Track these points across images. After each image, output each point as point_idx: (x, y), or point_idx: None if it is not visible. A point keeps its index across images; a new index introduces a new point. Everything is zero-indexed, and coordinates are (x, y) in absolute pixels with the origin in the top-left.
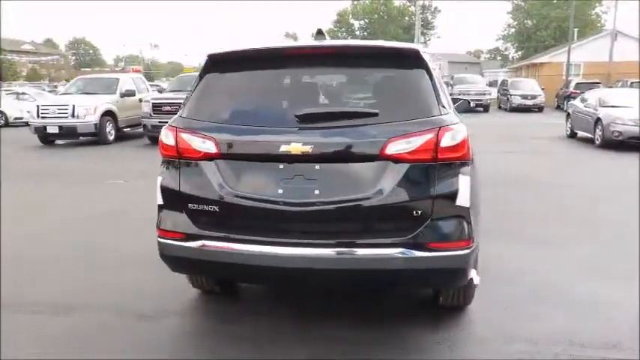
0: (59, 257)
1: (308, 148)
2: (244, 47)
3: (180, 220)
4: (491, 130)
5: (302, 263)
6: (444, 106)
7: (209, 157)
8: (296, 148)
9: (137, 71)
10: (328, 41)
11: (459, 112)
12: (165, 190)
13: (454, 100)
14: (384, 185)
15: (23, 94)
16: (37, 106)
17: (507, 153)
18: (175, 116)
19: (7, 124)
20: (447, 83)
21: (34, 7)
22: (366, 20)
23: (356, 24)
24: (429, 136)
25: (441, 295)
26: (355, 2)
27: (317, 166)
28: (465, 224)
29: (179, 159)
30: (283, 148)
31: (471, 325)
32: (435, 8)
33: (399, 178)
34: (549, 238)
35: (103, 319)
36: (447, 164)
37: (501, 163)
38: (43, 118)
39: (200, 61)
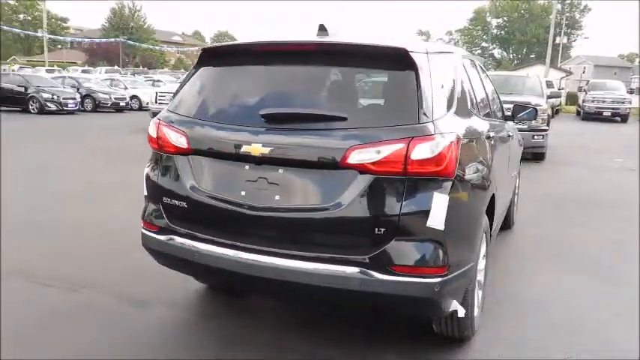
0: None
1: (267, 150)
2: (234, 42)
3: (156, 213)
4: (618, 142)
5: (257, 271)
6: (425, 114)
7: (182, 152)
8: (255, 149)
9: None
10: (313, 37)
11: (522, 121)
12: (147, 182)
13: (520, 108)
14: (345, 197)
15: (158, 81)
16: (156, 92)
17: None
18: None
19: (140, 108)
20: (579, 89)
21: (190, 2)
22: (505, 18)
23: (493, 22)
24: (399, 146)
25: (432, 322)
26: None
27: (280, 170)
28: (438, 249)
29: (160, 152)
30: (245, 149)
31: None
32: (585, 6)
33: (361, 191)
34: None
35: (97, 300)
36: (419, 179)
37: (613, 181)
38: (159, 103)
39: None
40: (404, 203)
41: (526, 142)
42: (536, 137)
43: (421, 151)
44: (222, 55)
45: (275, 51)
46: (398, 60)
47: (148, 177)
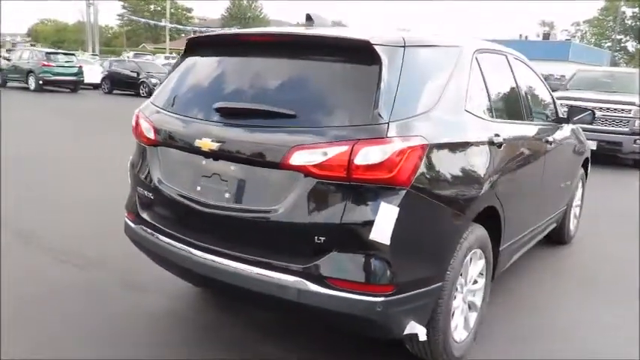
0: None
1: (215, 146)
2: (211, 32)
3: (133, 203)
4: None
5: (208, 271)
6: (380, 114)
7: (152, 144)
8: (205, 143)
9: None
10: (280, 28)
11: (578, 124)
12: (129, 171)
13: (577, 111)
14: (287, 200)
15: None
16: None
17: None
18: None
19: None
20: None
21: None
22: None
23: (628, 12)
24: (342, 149)
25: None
26: None
27: (232, 167)
28: (382, 265)
29: (138, 142)
30: (196, 143)
31: None
32: None
33: (303, 195)
34: None
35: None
36: (364, 186)
37: None
38: None
39: None
40: (346, 212)
41: (626, 147)
42: (637, 142)
43: (367, 156)
44: (200, 46)
45: (241, 42)
46: (360, 53)
47: (130, 166)
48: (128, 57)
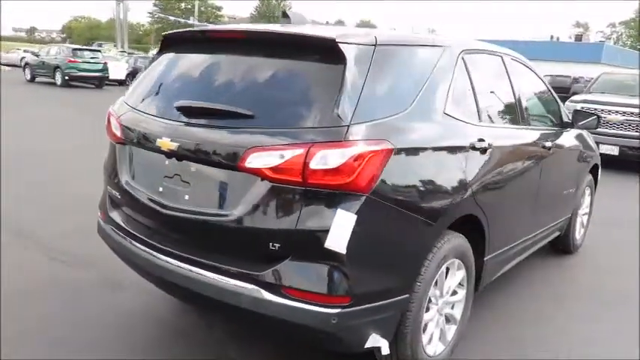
0: None
1: (174, 146)
2: (181, 29)
3: (104, 201)
4: None
5: (167, 274)
6: (340, 116)
7: (121, 142)
8: (164, 143)
9: None
10: (249, 25)
11: (586, 129)
12: (103, 169)
13: (581, 115)
14: (243, 204)
15: None
16: None
17: None
18: None
19: None
20: None
21: None
22: None
23: None
24: (297, 152)
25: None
26: None
27: (192, 168)
28: (338, 275)
29: (110, 140)
30: (157, 142)
31: None
32: None
33: (258, 199)
34: None
35: (79, 278)
36: (321, 192)
37: None
38: None
39: None
40: (301, 218)
41: None
42: None
43: (323, 160)
44: (174, 43)
45: (210, 39)
46: (326, 52)
47: (103, 164)
48: (154, 54)
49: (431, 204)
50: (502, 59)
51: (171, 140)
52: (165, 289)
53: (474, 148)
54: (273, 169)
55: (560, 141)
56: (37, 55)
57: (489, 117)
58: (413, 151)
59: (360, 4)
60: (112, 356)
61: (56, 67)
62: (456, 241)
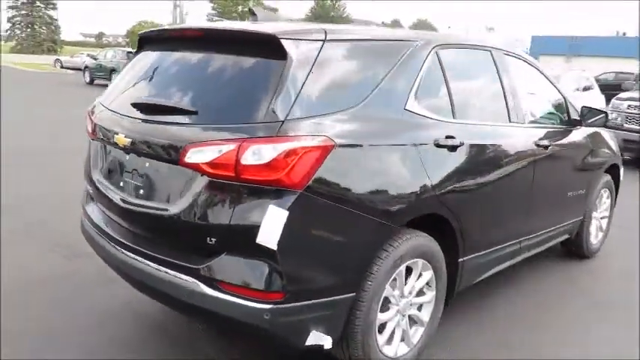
0: None
1: (127, 141)
2: (157, 28)
3: (84, 197)
4: None
5: (125, 268)
6: (275, 111)
7: (94, 139)
8: (120, 138)
9: None
10: (204, 23)
11: (596, 127)
12: (84, 167)
13: (590, 113)
14: (185, 198)
15: None
16: None
17: None
18: None
19: None
20: None
21: None
22: None
23: None
24: (230, 147)
25: None
26: None
27: (147, 164)
28: (271, 271)
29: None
30: (115, 138)
31: None
32: None
33: (196, 194)
34: None
35: (74, 271)
36: (254, 187)
37: None
38: None
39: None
40: (235, 214)
41: None
42: None
43: (255, 155)
44: (146, 42)
45: (171, 37)
46: (268, 48)
47: (84, 162)
48: None
49: (379, 202)
50: (491, 54)
51: (125, 136)
52: (130, 283)
53: (439, 145)
54: (209, 164)
55: (563, 139)
56: (96, 59)
57: (468, 114)
58: (359, 147)
59: (419, 3)
60: (88, 350)
61: (112, 70)
62: (418, 240)
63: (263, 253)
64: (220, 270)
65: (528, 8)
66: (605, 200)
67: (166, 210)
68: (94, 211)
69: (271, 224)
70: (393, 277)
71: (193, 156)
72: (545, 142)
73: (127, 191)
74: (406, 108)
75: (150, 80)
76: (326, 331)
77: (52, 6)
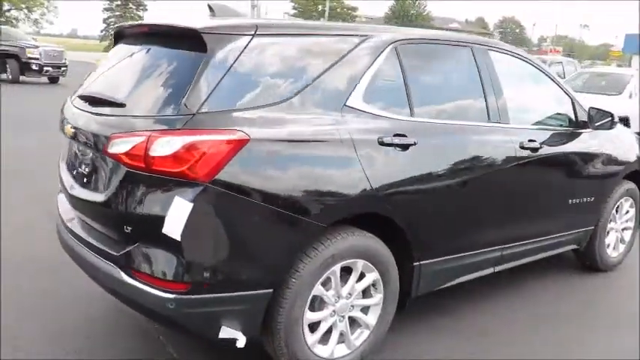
0: None
1: (72, 132)
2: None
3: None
4: None
5: (77, 258)
6: (187, 105)
7: (60, 129)
8: (67, 129)
9: (556, 52)
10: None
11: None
12: None
13: (599, 115)
14: (109, 188)
15: None
16: None
17: None
18: None
19: None
20: None
21: None
22: None
23: None
24: (141, 139)
25: None
26: None
27: (89, 153)
28: (175, 261)
29: None
30: (65, 128)
31: None
32: None
33: (118, 183)
34: None
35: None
36: (161, 179)
37: None
38: None
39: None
40: (146, 204)
41: None
42: None
43: (161, 147)
44: (117, 37)
45: (126, 34)
46: (191, 42)
47: None
48: None
49: (301, 199)
50: (472, 50)
51: (71, 127)
52: (81, 269)
53: (383, 143)
54: (126, 154)
55: (561, 143)
56: None
57: (431, 112)
58: (281, 142)
59: (505, 3)
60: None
61: None
62: (357, 240)
63: (169, 243)
64: (134, 258)
65: (624, 5)
66: (627, 210)
67: (97, 198)
68: (60, 199)
69: (176, 215)
70: (325, 277)
71: (114, 146)
72: (534, 145)
73: (77, 180)
74: (347, 104)
75: (104, 73)
76: (241, 326)
77: (142, 7)
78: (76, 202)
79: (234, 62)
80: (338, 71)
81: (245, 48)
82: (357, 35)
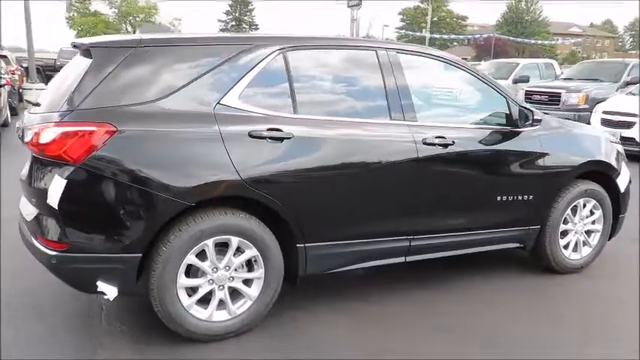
0: None
1: (20, 131)
2: None
3: None
4: None
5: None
6: (68, 102)
7: None
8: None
9: None
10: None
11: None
12: None
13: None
14: (27, 169)
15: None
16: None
17: None
18: None
19: None
20: None
21: None
22: None
23: None
24: (35, 130)
25: None
26: None
27: None
28: (56, 225)
29: None
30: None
31: None
32: None
33: (29, 165)
34: None
35: None
36: (49, 161)
37: None
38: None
39: None
40: (38, 180)
41: None
42: None
43: (46, 136)
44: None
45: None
46: (87, 54)
47: None
48: None
49: (166, 180)
50: (376, 53)
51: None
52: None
53: (253, 135)
54: (29, 142)
55: (483, 140)
56: None
57: (318, 110)
58: (149, 132)
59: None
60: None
61: None
62: (229, 219)
63: (52, 211)
64: (37, 224)
65: None
66: (589, 211)
67: (23, 177)
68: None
69: (54, 189)
70: (197, 248)
71: (26, 137)
72: (443, 141)
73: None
74: (221, 102)
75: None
76: (115, 282)
77: (254, 27)
78: (25, 186)
79: (113, 69)
80: (215, 75)
81: (125, 58)
82: (240, 44)
